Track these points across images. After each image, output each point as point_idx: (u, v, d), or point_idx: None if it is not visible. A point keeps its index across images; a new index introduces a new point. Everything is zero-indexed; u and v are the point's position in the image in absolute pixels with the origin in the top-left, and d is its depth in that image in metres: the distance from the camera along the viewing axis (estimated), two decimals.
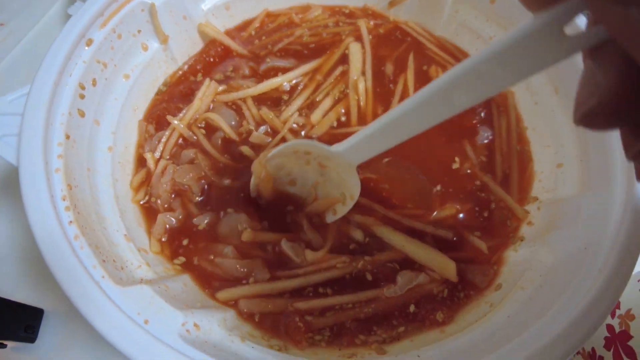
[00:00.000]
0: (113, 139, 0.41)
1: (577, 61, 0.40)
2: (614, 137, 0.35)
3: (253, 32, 0.53)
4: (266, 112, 0.45)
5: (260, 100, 0.47)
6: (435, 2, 0.52)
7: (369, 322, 0.34)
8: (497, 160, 0.44)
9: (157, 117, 0.45)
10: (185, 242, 0.39)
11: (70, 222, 0.30)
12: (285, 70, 0.48)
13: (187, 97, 0.47)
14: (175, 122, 0.44)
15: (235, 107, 0.46)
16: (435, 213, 0.41)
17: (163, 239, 0.39)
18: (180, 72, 0.49)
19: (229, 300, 0.35)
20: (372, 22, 0.53)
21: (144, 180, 0.42)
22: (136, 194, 0.41)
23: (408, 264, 0.37)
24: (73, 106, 0.37)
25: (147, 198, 0.41)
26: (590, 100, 0.17)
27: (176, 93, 0.47)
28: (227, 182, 0.42)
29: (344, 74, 0.49)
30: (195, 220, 0.39)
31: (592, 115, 0.17)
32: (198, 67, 0.49)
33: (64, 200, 0.31)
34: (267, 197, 0.40)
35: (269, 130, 0.45)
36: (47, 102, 0.34)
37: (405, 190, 0.42)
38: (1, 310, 0.39)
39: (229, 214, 0.40)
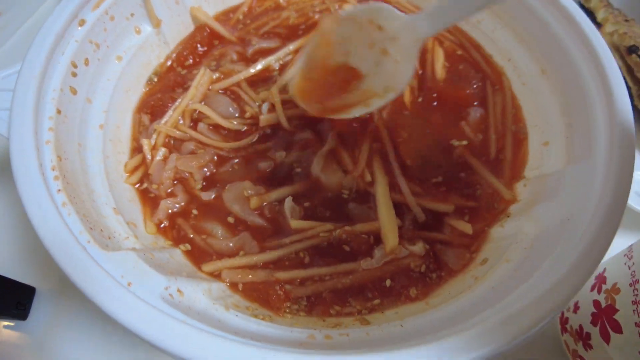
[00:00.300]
0: (105, 118, 0.42)
1: (565, 45, 0.41)
2: (597, 112, 0.36)
3: (241, 17, 0.53)
4: (265, 92, 0.45)
5: (252, 83, 0.48)
6: None
7: (344, 293, 0.35)
8: (491, 139, 0.45)
9: (151, 107, 0.45)
10: (180, 221, 0.40)
11: (59, 190, 0.31)
12: (273, 51, 0.49)
13: (180, 86, 0.47)
14: (162, 124, 0.43)
15: (230, 93, 0.47)
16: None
17: (163, 224, 0.39)
18: (170, 62, 0.49)
19: (214, 271, 0.35)
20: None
21: (139, 165, 0.42)
22: (130, 176, 0.41)
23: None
24: (65, 83, 0.38)
25: (145, 185, 0.41)
26: None
27: (168, 82, 0.48)
28: (229, 167, 0.42)
29: None
30: (203, 195, 0.40)
31: None
32: (185, 54, 0.50)
33: (53, 170, 0.32)
34: (313, 73, 0.38)
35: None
36: (38, 76, 0.35)
37: (420, 144, 0.43)
38: None
39: (233, 184, 0.41)
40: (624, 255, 0.37)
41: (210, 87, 0.47)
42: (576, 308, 0.40)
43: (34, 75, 0.34)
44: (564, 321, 0.42)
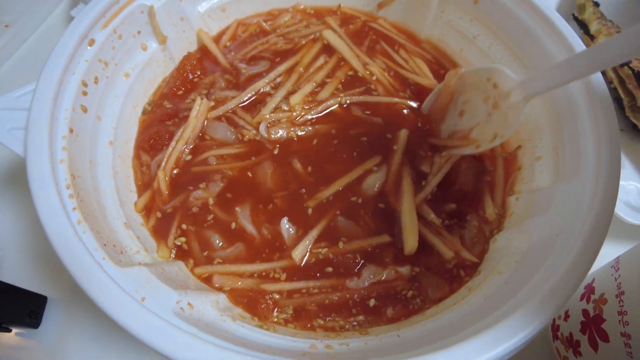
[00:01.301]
0: (114, 134, 0.44)
1: (555, 61, 0.43)
2: (586, 128, 0.37)
3: (228, 44, 0.55)
4: (260, 116, 0.47)
5: (247, 108, 0.49)
6: (422, 3, 0.54)
7: (329, 308, 0.37)
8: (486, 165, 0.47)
9: (150, 145, 0.45)
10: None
11: (74, 208, 0.33)
12: (262, 75, 0.50)
13: (175, 116, 0.47)
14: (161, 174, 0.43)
15: (226, 119, 0.48)
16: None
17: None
18: (163, 91, 0.50)
19: (203, 274, 0.38)
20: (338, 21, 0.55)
21: (149, 201, 0.43)
22: (141, 212, 0.42)
23: (375, 257, 0.39)
24: (76, 102, 0.39)
25: (153, 217, 0.42)
26: None
27: (162, 114, 0.48)
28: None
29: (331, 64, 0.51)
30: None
31: None
32: (177, 83, 0.50)
33: (67, 188, 0.34)
34: (436, 110, 0.46)
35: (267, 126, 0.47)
36: (52, 97, 0.36)
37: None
38: (7, 297, 0.42)
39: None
40: (611, 267, 0.39)
41: (207, 116, 0.47)
42: (567, 316, 0.42)
43: (49, 96, 0.36)
44: (555, 329, 0.44)
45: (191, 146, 0.46)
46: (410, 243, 0.38)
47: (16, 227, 0.50)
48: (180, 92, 0.50)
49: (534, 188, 0.42)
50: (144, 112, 0.49)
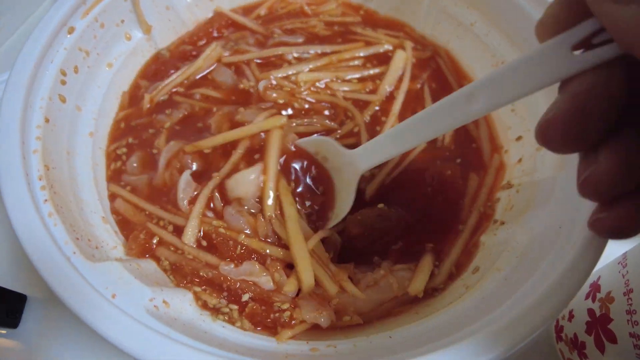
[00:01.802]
0: (94, 125, 0.42)
1: None
2: None
3: (262, 13, 0.53)
4: (267, 73, 0.46)
5: (262, 65, 0.48)
6: None
7: None
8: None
9: (153, 73, 0.47)
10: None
11: (45, 200, 0.31)
12: (292, 45, 0.49)
13: (187, 59, 0.48)
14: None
15: (236, 68, 0.48)
16: None
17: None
18: (184, 39, 0.50)
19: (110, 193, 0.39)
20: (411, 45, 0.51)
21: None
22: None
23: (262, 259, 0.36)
24: (54, 91, 0.38)
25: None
26: (547, 113, 0.21)
27: (178, 54, 0.49)
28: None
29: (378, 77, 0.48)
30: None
31: (547, 124, 0.21)
32: (200, 34, 0.50)
33: (40, 179, 0.32)
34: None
35: (269, 85, 0.45)
36: (26, 85, 0.34)
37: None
38: None
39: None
40: (618, 263, 0.37)
41: (220, 59, 0.48)
42: (571, 316, 0.39)
43: (22, 83, 0.34)
44: (558, 329, 0.41)
45: (193, 80, 0.47)
46: (307, 281, 0.33)
47: None
48: (202, 43, 0.50)
49: (535, 180, 0.39)
50: (158, 56, 0.49)
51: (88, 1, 0.41)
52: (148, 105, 0.45)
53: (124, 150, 0.42)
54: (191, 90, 0.46)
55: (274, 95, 0.45)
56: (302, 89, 0.46)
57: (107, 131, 0.44)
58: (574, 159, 0.36)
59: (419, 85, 0.48)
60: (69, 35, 0.40)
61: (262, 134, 0.41)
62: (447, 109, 0.27)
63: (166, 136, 0.43)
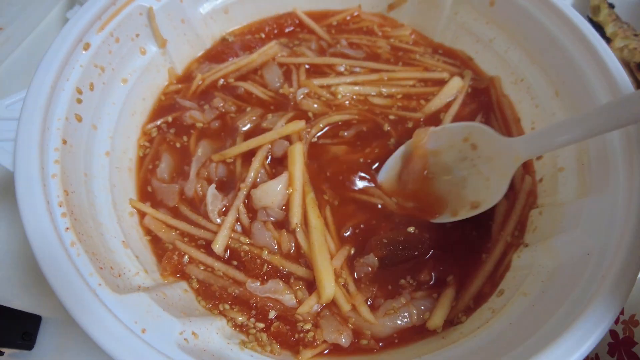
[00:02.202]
0: (110, 144, 0.41)
1: (577, 65, 0.40)
2: (615, 140, 0.35)
3: (334, 23, 0.54)
4: (309, 81, 0.46)
5: (312, 71, 0.49)
6: (435, 4, 0.52)
7: None
8: None
9: (212, 56, 0.49)
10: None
11: (67, 228, 0.30)
12: (350, 59, 0.49)
13: (251, 50, 0.49)
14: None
15: (285, 67, 0.48)
16: None
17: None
18: (251, 28, 0.52)
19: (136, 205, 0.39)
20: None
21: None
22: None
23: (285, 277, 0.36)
24: (70, 111, 0.37)
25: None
26: None
27: (240, 44, 0.50)
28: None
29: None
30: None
31: None
32: (270, 28, 0.52)
33: (60, 206, 0.31)
34: (403, 181, 0.39)
35: (305, 93, 0.46)
36: (43, 106, 0.33)
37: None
38: None
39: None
40: None
41: (274, 58, 0.49)
42: None
43: (40, 105, 0.33)
44: None
45: (244, 72, 0.48)
46: (328, 291, 0.33)
47: (9, 244, 0.47)
48: (261, 36, 0.52)
49: (558, 202, 0.39)
50: (223, 39, 0.52)
51: (104, 15, 0.40)
52: (200, 82, 0.46)
53: (155, 132, 0.44)
54: (239, 82, 0.47)
55: (310, 104, 0.45)
56: (340, 99, 0.46)
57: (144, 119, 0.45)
58: (597, 184, 0.36)
59: (467, 111, 0.47)
60: (84, 52, 0.39)
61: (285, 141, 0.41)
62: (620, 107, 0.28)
63: (196, 136, 0.44)
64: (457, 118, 0.46)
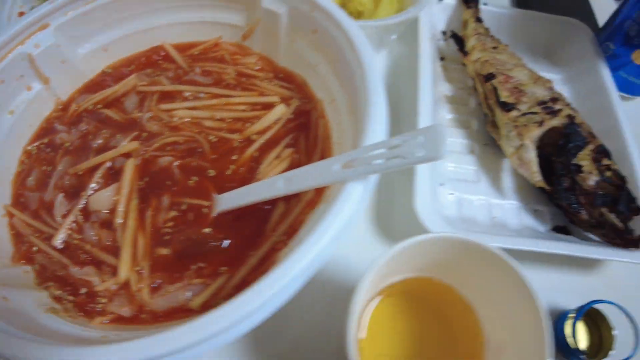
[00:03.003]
0: None
1: (356, 80, 0.48)
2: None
3: (197, 52, 0.64)
4: (157, 107, 0.57)
5: (164, 98, 0.59)
6: (273, 33, 0.60)
7: None
8: None
9: (93, 85, 0.61)
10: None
11: None
12: (199, 85, 0.60)
13: (121, 80, 0.61)
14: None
15: (143, 96, 0.59)
16: None
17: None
18: (130, 60, 0.64)
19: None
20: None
21: None
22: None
23: None
24: None
25: None
26: None
27: (115, 75, 0.62)
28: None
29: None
30: None
31: None
32: (142, 60, 0.64)
33: None
34: None
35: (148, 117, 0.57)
36: None
37: None
38: None
39: None
40: None
41: (135, 87, 0.60)
42: None
43: None
44: None
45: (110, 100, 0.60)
46: (122, 274, 0.44)
47: None
48: (132, 68, 0.63)
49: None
50: (103, 72, 0.64)
51: None
52: (75, 109, 0.58)
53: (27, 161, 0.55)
54: (104, 109, 0.58)
55: (152, 125, 0.56)
56: (176, 122, 0.56)
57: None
58: None
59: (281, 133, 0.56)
60: None
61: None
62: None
63: (62, 154, 0.55)
64: (271, 139, 0.55)
